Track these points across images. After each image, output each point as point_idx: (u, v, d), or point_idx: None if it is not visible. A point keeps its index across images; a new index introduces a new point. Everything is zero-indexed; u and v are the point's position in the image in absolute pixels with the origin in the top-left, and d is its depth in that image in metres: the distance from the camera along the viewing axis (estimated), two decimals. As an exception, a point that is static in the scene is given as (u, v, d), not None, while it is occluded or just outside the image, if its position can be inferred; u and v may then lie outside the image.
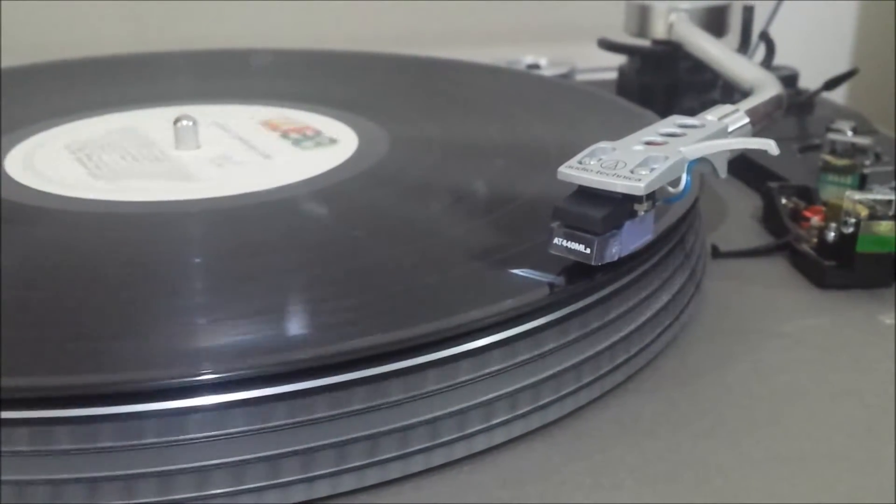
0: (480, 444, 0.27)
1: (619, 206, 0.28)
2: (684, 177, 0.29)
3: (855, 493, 0.26)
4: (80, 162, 0.40)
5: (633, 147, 0.29)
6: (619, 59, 0.59)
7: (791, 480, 0.26)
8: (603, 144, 0.29)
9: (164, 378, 0.24)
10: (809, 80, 0.56)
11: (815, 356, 0.33)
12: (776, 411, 0.30)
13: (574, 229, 0.28)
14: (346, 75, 0.54)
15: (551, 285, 0.28)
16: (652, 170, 0.28)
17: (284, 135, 0.43)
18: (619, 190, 0.28)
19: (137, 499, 0.24)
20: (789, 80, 0.55)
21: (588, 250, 0.28)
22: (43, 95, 0.51)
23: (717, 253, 0.39)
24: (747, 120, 0.33)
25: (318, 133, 0.43)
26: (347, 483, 0.25)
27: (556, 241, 0.28)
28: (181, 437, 0.24)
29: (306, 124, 0.44)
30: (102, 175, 0.38)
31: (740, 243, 0.40)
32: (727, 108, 0.34)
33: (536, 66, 0.61)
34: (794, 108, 0.52)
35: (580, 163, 0.29)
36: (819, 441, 0.28)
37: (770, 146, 0.29)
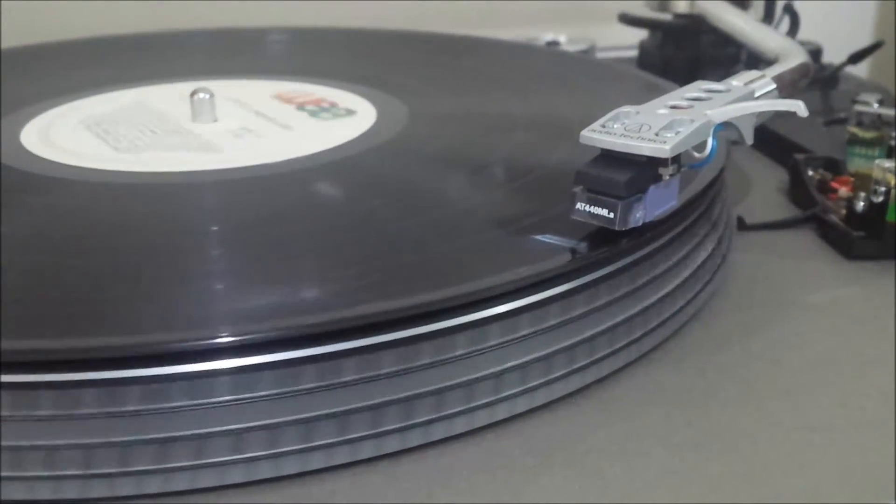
0: (541, 397, 0.27)
1: (644, 170, 0.27)
2: (710, 141, 0.29)
3: (883, 462, 0.25)
4: (98, 137, 0.39)
5: (657, 111, 0.29)
6: (640, 38, 0.59)
7: (820, 448, 0.26)
8: (626, 108, 0.29)
9: (234, 335, 0.24)
10: (833, 56, 0.55)
11: (844, 326, 0.32)
12: (804, 380, 0.29)
13: (597, 194, 0.27)
14: (363, 52, 0.53)
15: (574, 251, 0.28)
16: (677, 132, 0.27)
17: (300, 107, 0.42)
18: (643, 153, 0.27)
19: (208, 458, 0.24)
20: (813, 55, 0.53)
21: (612, 215, 0.27)
22: (46, 74, 0.50)
23: (743, 225, 0.38)
24: (774, 86, 0.33)
25: (333, 105, 0.42)
26: (414, 439, 0.25)
27: (578, 206, 0.28)
28: (250, 394, 0.24)
29: (321, 97, 0.44)
30: (125, 148, 0.38)
31: (766, 217, 0.39)
32: (753, 73, 0.33)
33: (556, 44, 0.60)
34: (819, 83, 0.52)
35: (603, 126, 0.28)
36: (848, 409, 0.28)
37: (799, 107, 0.28)
